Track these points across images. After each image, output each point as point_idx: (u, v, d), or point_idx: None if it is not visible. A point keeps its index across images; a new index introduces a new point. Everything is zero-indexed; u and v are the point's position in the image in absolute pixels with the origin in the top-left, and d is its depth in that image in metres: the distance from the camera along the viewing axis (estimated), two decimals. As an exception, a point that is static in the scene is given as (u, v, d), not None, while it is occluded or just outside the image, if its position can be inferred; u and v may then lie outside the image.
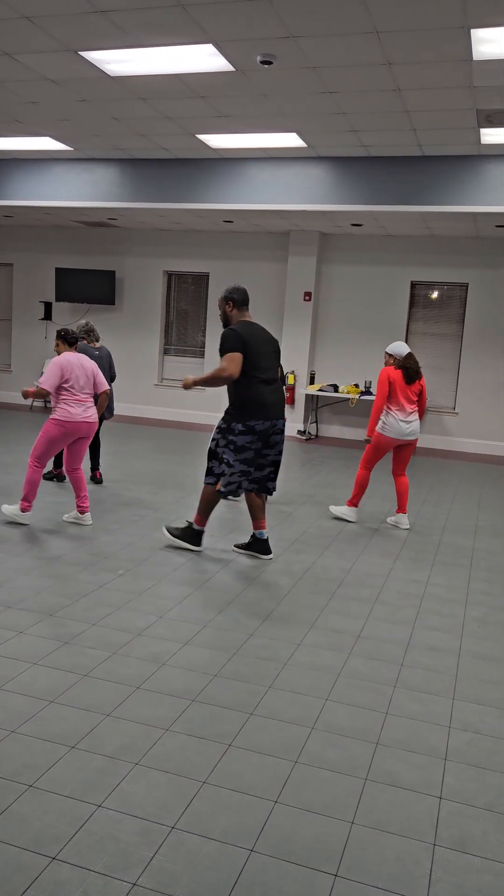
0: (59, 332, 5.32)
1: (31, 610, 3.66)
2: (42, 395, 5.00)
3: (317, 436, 11.23)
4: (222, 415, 4.67)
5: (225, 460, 4.54)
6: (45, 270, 12.34)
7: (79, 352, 6.23)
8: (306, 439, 10.81)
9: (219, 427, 4.61)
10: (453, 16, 4.52)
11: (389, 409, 5.69)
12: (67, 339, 5.30)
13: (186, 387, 4.66)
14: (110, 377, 6.62)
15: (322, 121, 6.74)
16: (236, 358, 4.46)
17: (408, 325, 10.73)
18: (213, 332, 11.65)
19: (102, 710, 2.76)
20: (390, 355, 5.77)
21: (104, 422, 6.67)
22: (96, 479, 6.65)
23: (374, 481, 7.77)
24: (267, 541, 4.85)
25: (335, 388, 10.56)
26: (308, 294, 10.75)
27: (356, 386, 10.52)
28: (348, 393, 10.44)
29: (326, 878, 1.98)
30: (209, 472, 4.66)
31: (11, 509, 5.16)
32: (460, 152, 7.48)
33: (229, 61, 5.46)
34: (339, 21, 4.68)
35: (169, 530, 4.90)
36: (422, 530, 5.84)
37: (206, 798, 2.28)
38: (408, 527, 5.86)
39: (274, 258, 11.19)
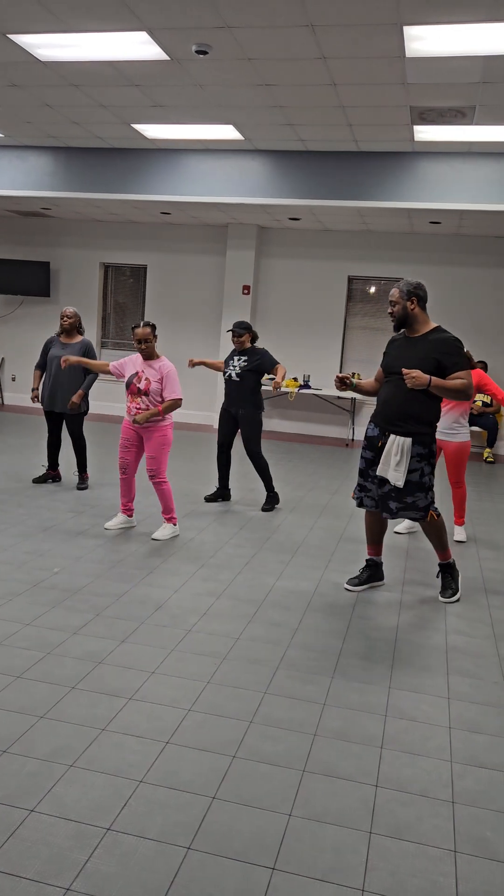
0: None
1: (-39, 611, 3.54)
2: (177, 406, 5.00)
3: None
4: (407, 440, 3.94)
5: (431, 486, 4.05)
6: (-24, 261, 11.98)
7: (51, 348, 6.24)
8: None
9: (419, 454, 3.96)
10: (387, 12, 4.56)
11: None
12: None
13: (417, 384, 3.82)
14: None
15: (258, 114, 6.72)
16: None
17: (345, 320, 10.85)
18: (152, 326, 11.51)
19: (36, 711, 2.69)
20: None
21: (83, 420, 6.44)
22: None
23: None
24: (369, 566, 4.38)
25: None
26: (247, 288, 10.74)
27: (294, 380, 10.57)
28: (287, 387, 10.47)
29: (264, 872, 1.98)
30: (414, 507, 4.03)
31: (165, 531, 5.06)
32: (395, 149, 7.58)
33: (164, 50, 5.38)
34: (275, 13, 4.66)
35: (447, 594, 4.28)
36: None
37: (142, 797, 2.25)
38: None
39: (212, 251, 11.14)
